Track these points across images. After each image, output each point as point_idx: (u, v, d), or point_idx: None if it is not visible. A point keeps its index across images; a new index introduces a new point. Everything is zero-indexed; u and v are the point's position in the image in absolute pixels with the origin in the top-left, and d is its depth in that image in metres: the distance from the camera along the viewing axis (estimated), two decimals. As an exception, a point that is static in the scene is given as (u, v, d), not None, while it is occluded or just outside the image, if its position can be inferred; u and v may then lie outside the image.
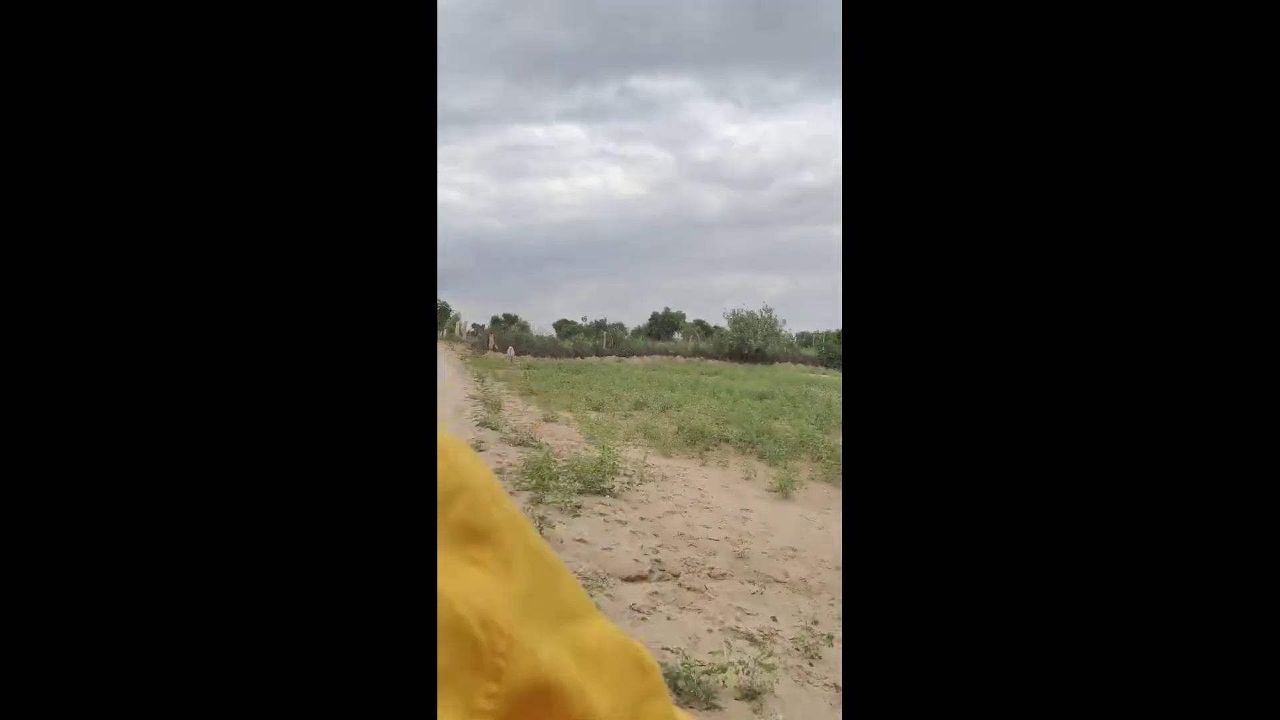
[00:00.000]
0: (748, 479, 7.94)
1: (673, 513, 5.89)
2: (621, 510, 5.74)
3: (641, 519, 5.55)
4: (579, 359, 33.61)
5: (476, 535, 0.32)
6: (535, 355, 33.03)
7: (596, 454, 6.94)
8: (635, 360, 34.46)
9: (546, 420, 11.30)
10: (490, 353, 32.97)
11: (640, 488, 6.55)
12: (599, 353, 35.36)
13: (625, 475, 6.67)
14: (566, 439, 9.25)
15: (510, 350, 28.18)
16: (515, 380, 17.83)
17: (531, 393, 15.11)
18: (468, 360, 28.39)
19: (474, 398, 14.12)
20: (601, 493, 6.16)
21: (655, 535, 5.14)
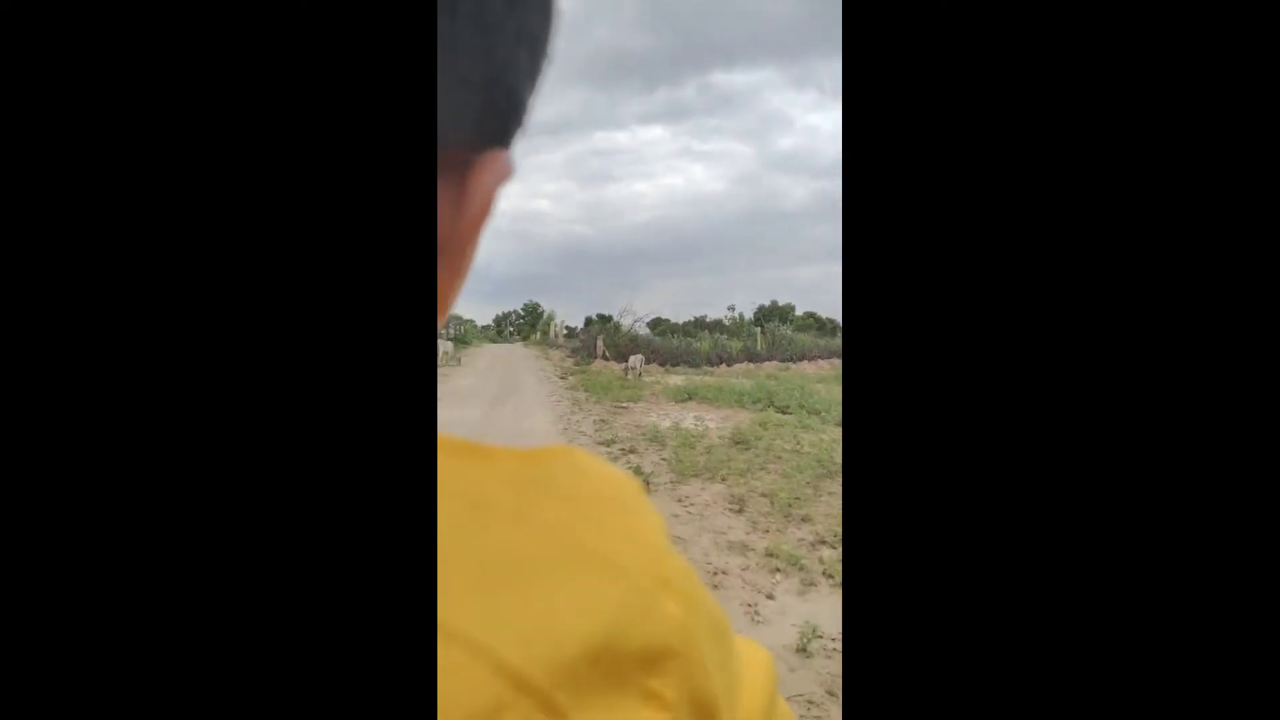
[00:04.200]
0: None
1: None
2: None
3: None
4: (721, 365, 23.39)
5: (656, 658, 0.27)
6: (662, 364, 22.91)
7: None
8: (806, 366, 24.00)
9: None
10: (599, 362, 22.99)
11: None
12: (751, 357, 24.88)
13: None
14: None
15: (635, 361, 17.78)
16: (733, 469, 7.31)
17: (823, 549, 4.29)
18: (570, 377, 18.24)
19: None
20: None
21: None
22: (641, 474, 5.99)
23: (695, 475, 6.22)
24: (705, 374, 20.80)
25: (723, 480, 6.02)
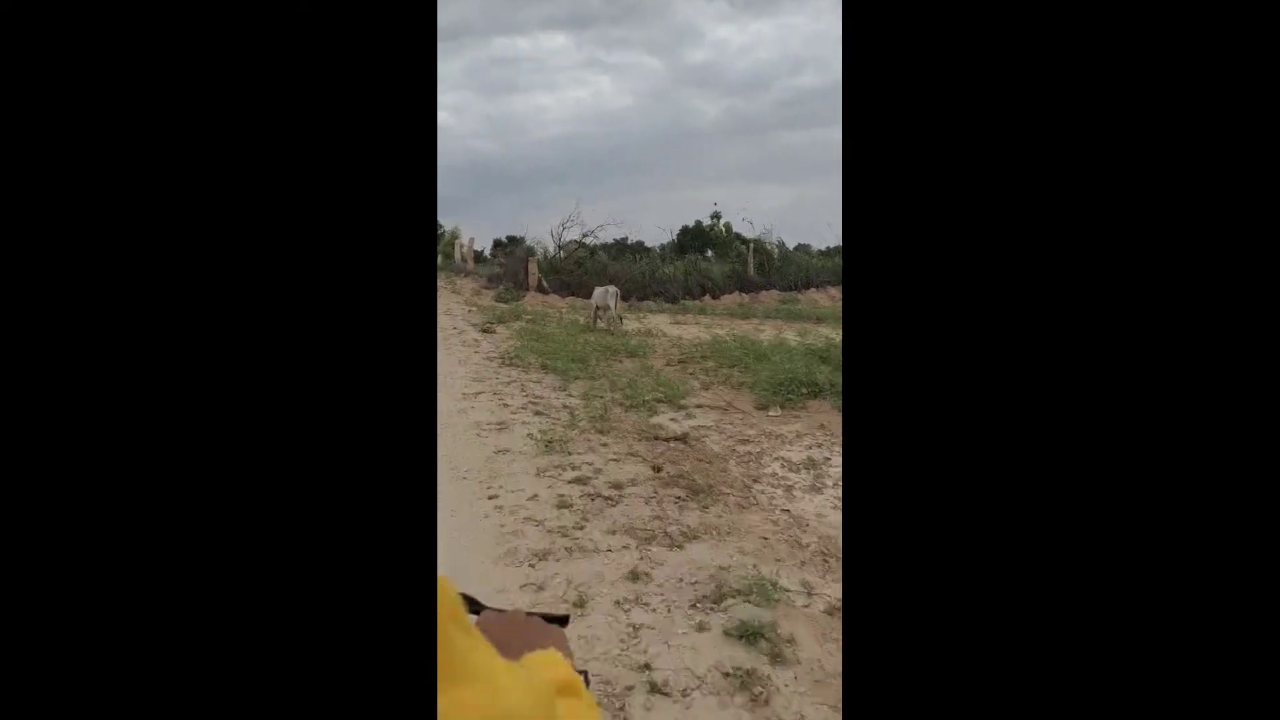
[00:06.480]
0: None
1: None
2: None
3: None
4: (708, 299, 16.64)
5: None
6: (625, 298, 15.97)
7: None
8: (817, 295, 17.47)
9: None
10: (533, 295, 15.78)
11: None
12: (742, 285, 18.08)
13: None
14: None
15: (609, 297, 10.62)
16: None
17: None
18: (501, 327, 10.87)
19: None
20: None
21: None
22: None
23: None
24: (696, 311, 13.98)
25: None
